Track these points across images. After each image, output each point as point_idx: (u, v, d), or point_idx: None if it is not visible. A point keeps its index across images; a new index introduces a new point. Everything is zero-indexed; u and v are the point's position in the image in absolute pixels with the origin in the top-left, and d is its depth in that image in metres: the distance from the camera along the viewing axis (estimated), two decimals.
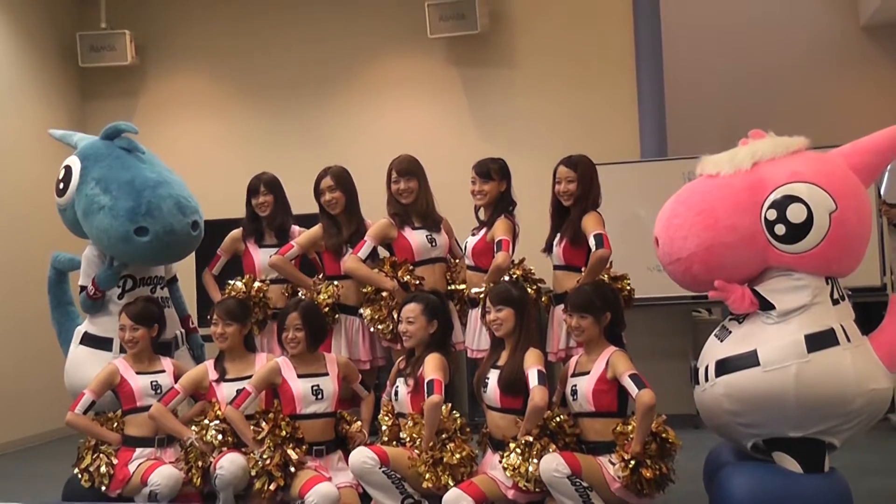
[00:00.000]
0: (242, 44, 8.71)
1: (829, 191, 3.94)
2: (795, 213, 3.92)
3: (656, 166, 7.13)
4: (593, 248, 4.53)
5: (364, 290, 4.88)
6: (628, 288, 4.69)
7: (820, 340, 3.87)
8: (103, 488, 4.53)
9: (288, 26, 8.64)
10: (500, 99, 8.20)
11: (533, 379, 4.14)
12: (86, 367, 4.87)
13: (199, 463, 4.44)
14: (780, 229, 3.94)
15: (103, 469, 4.52)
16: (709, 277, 4.08)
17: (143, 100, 8.84)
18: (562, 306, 4.53)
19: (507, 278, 4.58)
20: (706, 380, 4.07)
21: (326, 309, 4.85)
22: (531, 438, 4.08)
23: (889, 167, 7.92)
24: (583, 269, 4.62)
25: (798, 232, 3.92)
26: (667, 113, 7.58)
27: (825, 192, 3.93)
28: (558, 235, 4.76)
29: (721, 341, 4.11)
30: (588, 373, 4.19)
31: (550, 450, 4.04)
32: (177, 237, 4.97)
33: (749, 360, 3.91)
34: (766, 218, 3.97)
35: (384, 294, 4.79)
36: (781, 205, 3.95)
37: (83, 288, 5.04)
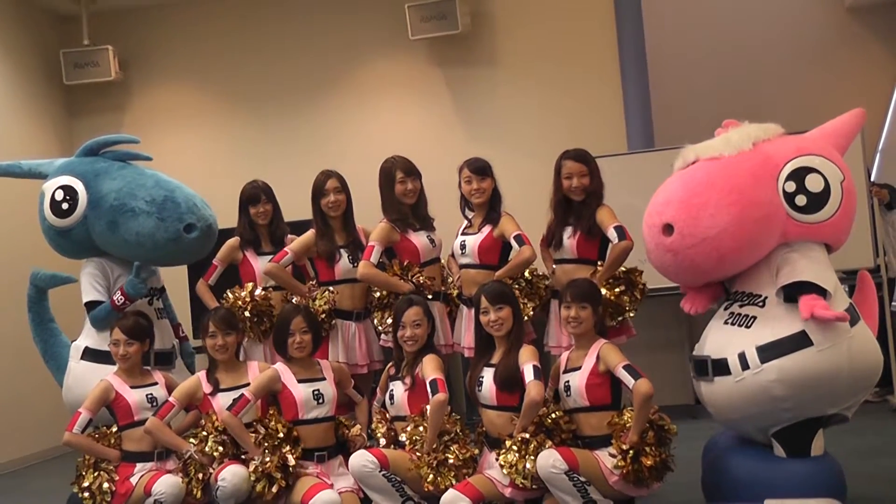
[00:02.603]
0: (226, 54, 8.72)
1: (835, 162, 4.06)
2: (814, 183, 4.00)
3: (644, 158, 7.11)
4: (615, 240, 4.52)
5: (377, 295, 4.84)
6: (643, 282, 4.67)
7: (852, 315, 3.93)
8: None
9: (269, 36, 8.65)
10: (484, 98, 8.20)
11: (529, 374, 4.13)
12: (89, 382, 4.77)
13: (200, 475, 4.42)
14: (800, 200, 4.01)
15: (105, 486, 4.48)
16: (738, 255, 4.04)
17: (129, 115, 8.84)
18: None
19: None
20: (743, 368, 3.94)
21: (323, 315, 4.81)
22: (527, 435, 4.07)
23: (880, 148, 7.98)
24: (599, 263, 4.62)
25: (818, 201, 4.00)
26: (652, 104, 7.56)
27: (833, 163, 4.05)
28: (569, 229, 4.69)
29: (747, 328, 4.02)
30: (580, 368, 4.17)
31: (546, 446, 4.02)
32: (212, 231, 5.16)
33: (800, 341, 3.86)
34: (784, 190, 4.01)
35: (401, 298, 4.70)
36: (799, 175, 4.01)
37: (96, 303, 4.97)
